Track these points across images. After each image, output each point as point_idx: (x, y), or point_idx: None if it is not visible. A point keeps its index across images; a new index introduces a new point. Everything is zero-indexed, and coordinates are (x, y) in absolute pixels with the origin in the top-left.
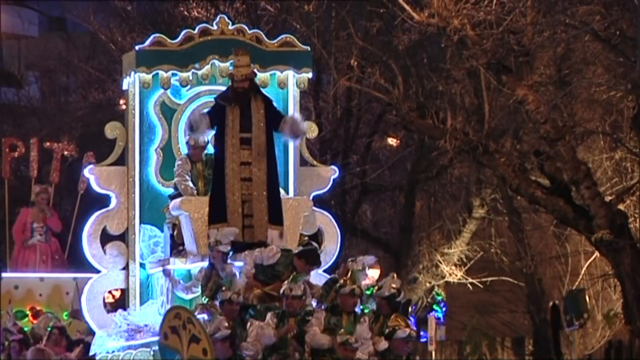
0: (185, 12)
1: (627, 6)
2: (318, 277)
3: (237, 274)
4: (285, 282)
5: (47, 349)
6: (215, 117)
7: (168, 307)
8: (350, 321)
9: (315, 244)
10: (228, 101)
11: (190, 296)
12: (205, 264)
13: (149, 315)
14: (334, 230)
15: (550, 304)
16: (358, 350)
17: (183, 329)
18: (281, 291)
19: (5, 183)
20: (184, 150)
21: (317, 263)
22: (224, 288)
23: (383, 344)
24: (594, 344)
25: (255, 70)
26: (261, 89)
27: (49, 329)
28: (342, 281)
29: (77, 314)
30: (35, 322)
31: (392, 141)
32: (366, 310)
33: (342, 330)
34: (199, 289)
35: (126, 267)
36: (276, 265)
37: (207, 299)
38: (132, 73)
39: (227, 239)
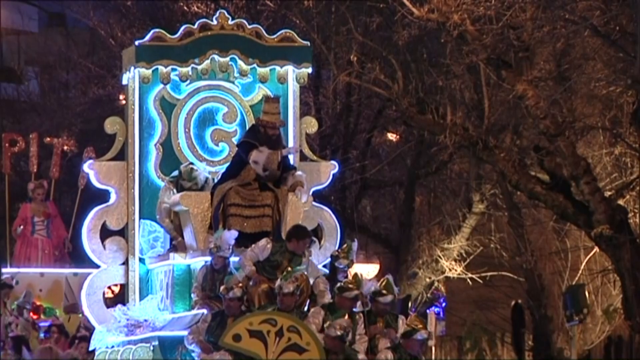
0: (185, 8)
1: (626, 1)
2: (318, 271)
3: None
4: (278, 280)
5: (55, 347)
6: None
7: (168, 302)
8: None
9: (315, 239)
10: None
11: None
12: (205, 259)
13: (149, 310)
14: (333, 225)
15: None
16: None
17: (277, 335)
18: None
19: (5, 178)
20: (184, 145)
21: (307, 235)
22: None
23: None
24: (594, 340)
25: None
26: (262, 84)
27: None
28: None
29: (72, 308)
30: (35, 317)
31: (391, 136)
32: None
33: (328, 323)
34: None
35: (126, 262)
36: (271, 256)
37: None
38: (132, 68)
39: (227, 244)
